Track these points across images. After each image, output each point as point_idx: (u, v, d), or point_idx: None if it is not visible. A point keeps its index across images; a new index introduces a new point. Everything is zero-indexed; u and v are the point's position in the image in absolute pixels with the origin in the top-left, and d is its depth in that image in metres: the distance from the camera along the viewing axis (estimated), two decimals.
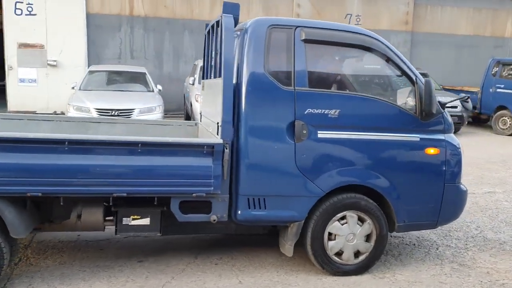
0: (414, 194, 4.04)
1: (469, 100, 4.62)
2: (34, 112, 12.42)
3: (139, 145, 3.45)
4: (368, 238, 3.99)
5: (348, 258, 3.95)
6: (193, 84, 10.80)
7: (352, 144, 3.85)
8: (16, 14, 13.58)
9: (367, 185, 3.89)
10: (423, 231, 5.11)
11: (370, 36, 3.95)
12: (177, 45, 14.96)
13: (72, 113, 9.11)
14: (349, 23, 16.00)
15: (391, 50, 3.96)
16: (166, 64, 14.97)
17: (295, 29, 3.78)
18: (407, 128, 3.97)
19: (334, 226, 3.88)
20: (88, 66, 12.70)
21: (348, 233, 3.90)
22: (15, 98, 13.76)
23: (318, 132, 3.75)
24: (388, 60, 3.97)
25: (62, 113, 11.73)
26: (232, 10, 3.75)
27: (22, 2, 13.60)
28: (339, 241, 3.91)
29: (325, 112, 3.76)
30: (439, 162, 4.05)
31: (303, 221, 3.83)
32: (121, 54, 14.55)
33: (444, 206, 4.12)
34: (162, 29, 14.76)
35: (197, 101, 9.60)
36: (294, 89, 3.71)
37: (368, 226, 3.95)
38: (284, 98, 3.70)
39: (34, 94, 13.77)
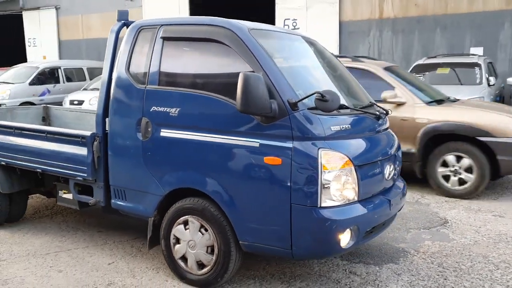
0: (252, 209, 3.35)
1: (327, 97, 2.96)
2: None
3: (45, 133, 4.42)
4: (212, 250, 3.60)
5: (191, 266, 3.69)
6: None
7: (188, 145, 3.59)
8: None
9: (198, 189, 3.55)
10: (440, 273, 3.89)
11: (224, 27, 3.53)
12: (427, 44, 13.83)
13: None
14: None
15: (244, 42, 3.42)
16: None
17: (159, 27, 3.86)
18: (248, 131, 3.35)
19: (177, 229, 3.72)
20: None
21: (189, 239, 3.66)
22: None
23: (161, 130, 3.72)
24: (240, 54, 3.44)
25: None
26: (122, 16, 4.22)
27: (289, 19, 15.72)
28: (182, 246, 3.71)
29: (167, 111, 3.68)
30: (281, 175, 3.20)
31: (152, 218, 3.86)
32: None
33: (296, 233, 3.21)
34: (412, 29, 13.98)
35: None
36: (145, 88, 3.81)
37: (209, 236, 3.57)
38: (137, 96, 3.86)
39: None
